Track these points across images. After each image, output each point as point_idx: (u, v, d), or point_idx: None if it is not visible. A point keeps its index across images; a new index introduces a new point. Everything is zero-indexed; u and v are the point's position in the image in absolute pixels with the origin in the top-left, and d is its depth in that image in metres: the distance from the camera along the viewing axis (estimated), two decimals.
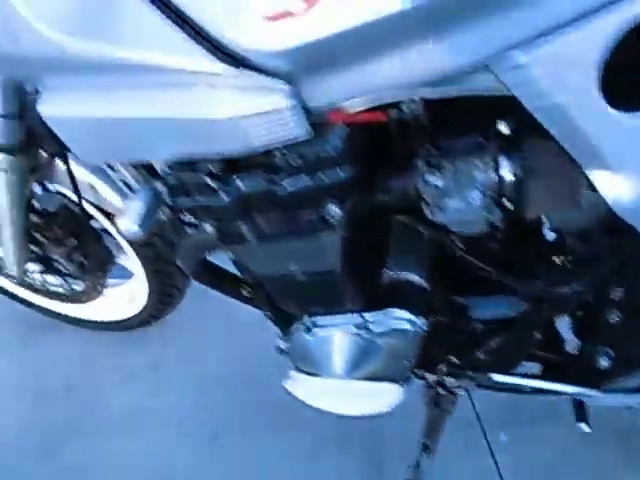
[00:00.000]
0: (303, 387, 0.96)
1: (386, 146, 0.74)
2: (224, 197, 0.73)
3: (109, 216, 1.21)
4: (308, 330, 0.89)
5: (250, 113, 0.62)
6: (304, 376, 0.95)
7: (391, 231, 0.84)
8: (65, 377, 1.52)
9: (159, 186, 0.80)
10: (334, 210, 0.71)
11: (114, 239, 1.30)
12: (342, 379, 0.91)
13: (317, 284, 0.82)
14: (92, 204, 1.16)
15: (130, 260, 1.35)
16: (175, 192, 0.77)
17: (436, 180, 0.73)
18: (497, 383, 1.02)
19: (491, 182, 0.70)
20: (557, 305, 0.87)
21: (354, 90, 0.62)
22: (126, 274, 1.44)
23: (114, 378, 1.51)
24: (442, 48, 0.57)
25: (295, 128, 0.64)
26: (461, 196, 0.72)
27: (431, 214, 0.75)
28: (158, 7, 0.59)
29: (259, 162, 0.70)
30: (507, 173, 0.70)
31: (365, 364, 0.89)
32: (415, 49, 0.57)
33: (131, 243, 1.27)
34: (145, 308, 1.44)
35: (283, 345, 0.95)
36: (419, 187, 0.74)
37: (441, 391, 1.09)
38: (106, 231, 1.27)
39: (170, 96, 0.65)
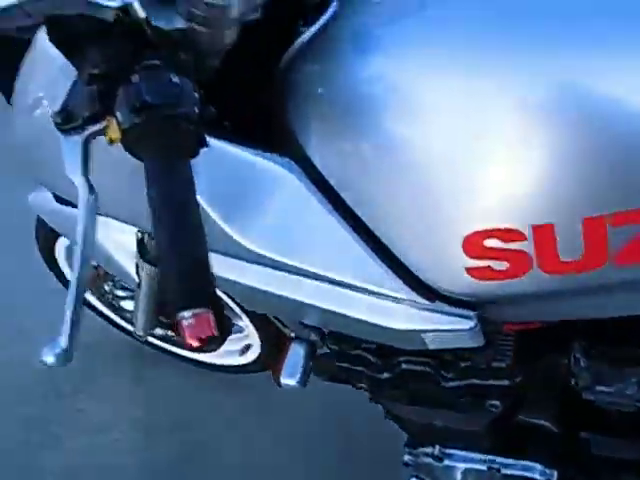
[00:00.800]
0: None
1: (548, 340, 0.76)
2: (384, 372, 0.77)
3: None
4: (438, 459, 0.94)
5: (430, 329, 0.66)
6: None
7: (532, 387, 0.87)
8: (173, 414, 1.59)
9: (315, 337, 0.84)
10: (495, 404, 0.74)
11: (232, 308, 1.37)
12: None
13: (456, 433, 0.86)
14: None
15: (245, 322, 1.42)
16: (334, 353, 0.81)
17: (591, 366, 0.75)
18: None
19: None
20: None
21: (539, 317, 0.65)
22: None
23: (219, 419, 1.58)
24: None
25: (470, 340, 0.67)
26: (614, 385, 0.75)
27: (579, 390, 0.78)
28: (365, 241, 0.62)
29: (426, 354, 0.74)
30: None
31: None
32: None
33: (252, 321, 1.35)
34: (257, 360, 1.52)
35: (408, 458, 1.01)
36: (572, 369, 0.76)
37: None
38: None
39: (348, 297, 0.67)
